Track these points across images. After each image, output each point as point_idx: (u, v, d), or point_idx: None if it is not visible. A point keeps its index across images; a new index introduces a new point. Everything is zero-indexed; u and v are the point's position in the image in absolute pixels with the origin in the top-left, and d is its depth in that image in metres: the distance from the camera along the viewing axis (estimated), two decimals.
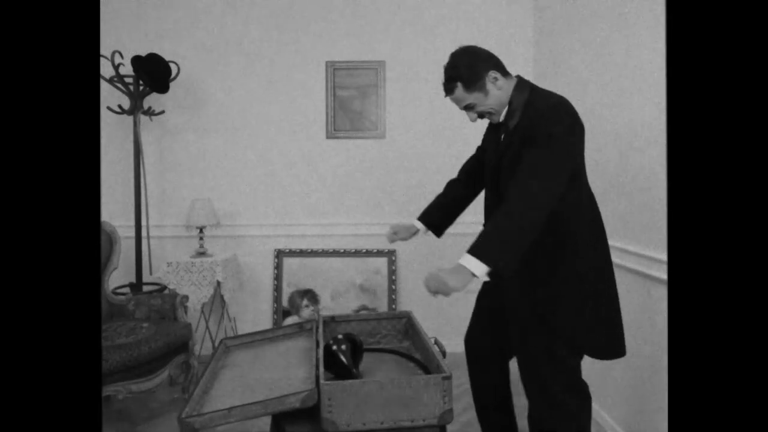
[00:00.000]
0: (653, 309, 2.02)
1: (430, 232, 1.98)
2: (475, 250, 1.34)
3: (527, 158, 1.42)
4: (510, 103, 1.58)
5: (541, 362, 1.56)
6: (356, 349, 1.61)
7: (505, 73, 1.60)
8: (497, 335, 1.82)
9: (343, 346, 1.58)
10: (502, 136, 1.64)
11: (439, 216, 1.96)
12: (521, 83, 1.61)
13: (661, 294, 1.97)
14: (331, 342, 1.59)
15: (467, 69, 1.56)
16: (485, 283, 1.87)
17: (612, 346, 1.58)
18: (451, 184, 1.99)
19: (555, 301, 1.54)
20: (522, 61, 3.44)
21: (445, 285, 1.34)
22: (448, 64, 1.61)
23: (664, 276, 1.91)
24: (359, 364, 1.61)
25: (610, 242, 2.29)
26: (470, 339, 1.90)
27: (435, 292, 1.38)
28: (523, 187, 1.38)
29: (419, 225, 1.97)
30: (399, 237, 1.99)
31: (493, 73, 1.57)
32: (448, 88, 1.61)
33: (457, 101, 1.61)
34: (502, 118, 1.62)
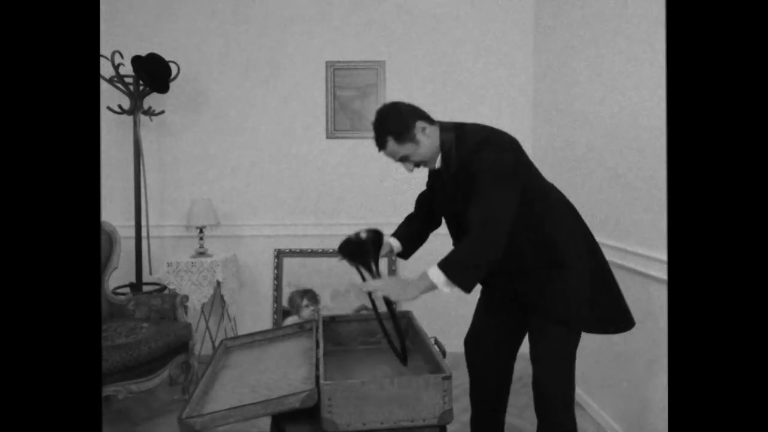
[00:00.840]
0: (653, 309, 2.02)
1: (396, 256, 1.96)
2: (443, 264, 1.51)
3: (478, 193, 1.55)
4: (442, 147, 1.66)
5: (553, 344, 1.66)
6: (377, 240, 1.71)
7: (431, 122, 1.67)
8: (500, 337, 1.84)
9: (368, 235, 1.69)
10: (447, 181, 1.70)
11: (407, 243, 1.94)
12: (444, 126, 1.68)
13: (661, 294, 1.98)
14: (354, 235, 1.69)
15: (395, 122, 1.62)
16: (485, 289, 1.88)
17: (622, 319, 1.69)
18: (410, 219, 1.98)
19: (564, 297, 1.62)
20: (522, 61, 3.44)
21: (400, 294, 1.52)
22: (375, 121, 1.67)
23: (664, 276, 1.91)
24: (378, 259, 1.72)
25: (611, 242, 2.30)
26: (470, 339, 1.91)
27: (388, 301, 1.59)
28: (480, 218, 1.52)
29: (396, 245, 1.91)
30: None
31: (420, 123, 1.63)
32: (381, 143, 1.66)
33: (391, 155, 1.67)
34: (438, 165, 1.69)
